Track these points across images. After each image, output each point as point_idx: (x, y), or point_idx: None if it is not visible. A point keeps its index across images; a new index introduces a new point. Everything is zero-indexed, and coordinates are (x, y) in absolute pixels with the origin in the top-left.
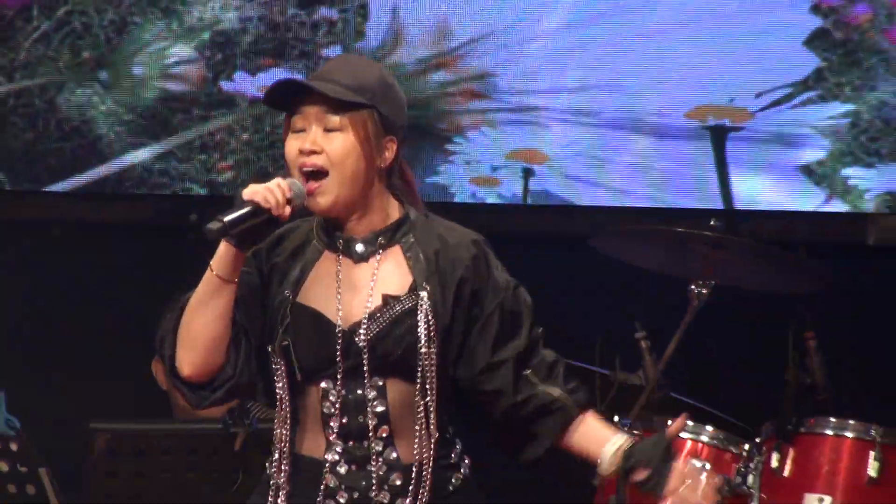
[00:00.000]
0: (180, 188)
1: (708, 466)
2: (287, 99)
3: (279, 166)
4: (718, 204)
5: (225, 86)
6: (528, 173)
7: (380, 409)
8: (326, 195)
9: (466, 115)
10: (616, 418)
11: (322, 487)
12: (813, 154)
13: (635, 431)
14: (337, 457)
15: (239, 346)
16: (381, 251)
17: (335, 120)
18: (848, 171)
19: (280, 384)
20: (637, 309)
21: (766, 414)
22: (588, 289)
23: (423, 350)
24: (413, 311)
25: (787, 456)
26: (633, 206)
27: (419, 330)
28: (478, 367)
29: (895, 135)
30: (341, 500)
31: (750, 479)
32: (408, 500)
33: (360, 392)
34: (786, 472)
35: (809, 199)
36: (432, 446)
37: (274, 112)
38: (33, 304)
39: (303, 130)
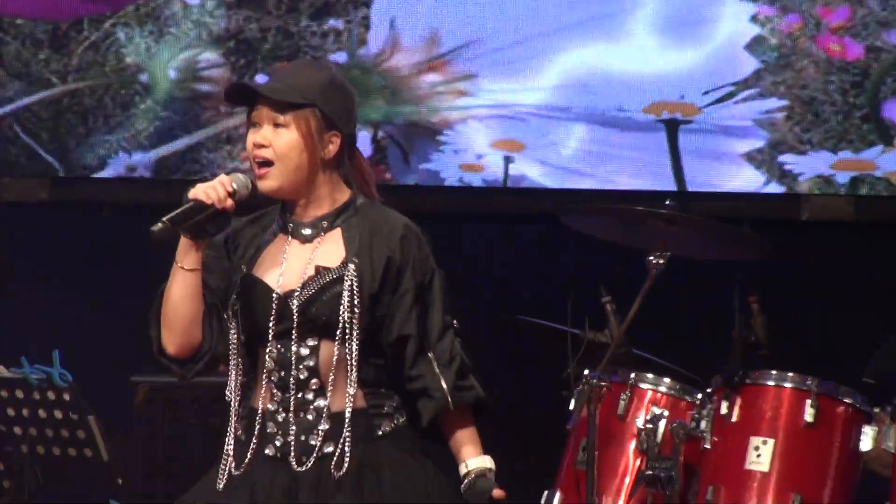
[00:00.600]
0: (209, 174)
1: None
2: (246, 98)
3: None
4: (672, 186)
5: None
6: (507, 160)
7: (310, 363)
8: (271, 180)
9: (454, 111)
10: (586, 371)
11: (258, 432)
12: (753, 143)
13: (603, 384)
14: (274, 406)
15: (212, 322)
16: (323, 233)
17: (281, 118)
18: (784, 158)
19: (233, 345)
20: (602, 277)
21: (716, 367)
22: (560, 260)
23: (347, 315)
24: (341, 280)
25: (735, 404)
26: (598, 188)
27: (343, 296)
28: (391, 336)
29: (824, 126)
30: (277, 444)
31: (703, 424)
32: (333, 444)
33: (294, 349)
34: (734, 418)
35: (751, 182)
36: (359, 397)
37: None
38: (84, 274)
39: (257, 125)
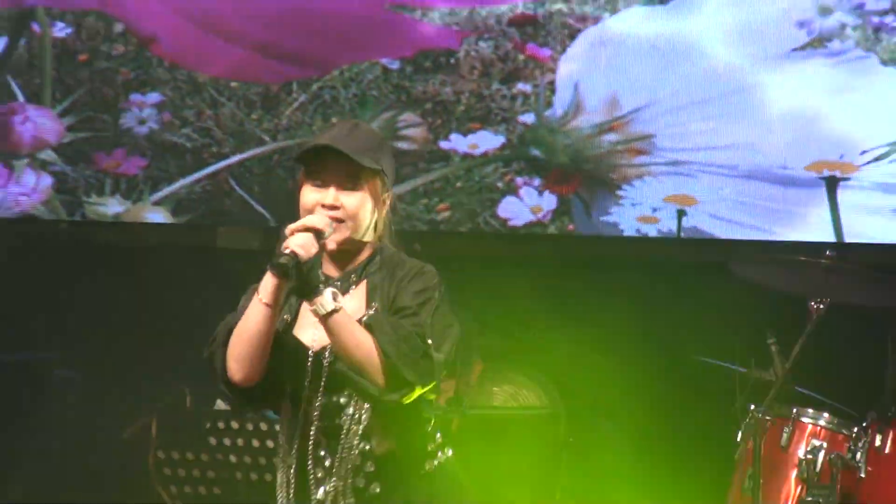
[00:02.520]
0: (407, 225)
1: None
2: (311, 155)
3: (485, 207)
4: (832, 237)
5: (442, 144)
6: (681, 213)
7: (349, 411)
8: (339, 235)
9: (631, 167)
10: (752, 406)
11: (312, 478)
12: None
13: (767, 417)
14: (323, 452)
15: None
16: (353, 286)
17: (352, 180)
18: None
19: (281, 395)
20: (768, 321)
21: (871, 403)
22: (728, 305)
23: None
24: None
25: (888, 437)
26: (763, 240)
27: None
28: None
29: None
30: (327, 488)
31: (858, 455)
32: (379, 484)
33: (334, 399)
34: (887, 450)
35: None
36: (401, 438)
37: (483, 165)
38: None
39: (321, 184)
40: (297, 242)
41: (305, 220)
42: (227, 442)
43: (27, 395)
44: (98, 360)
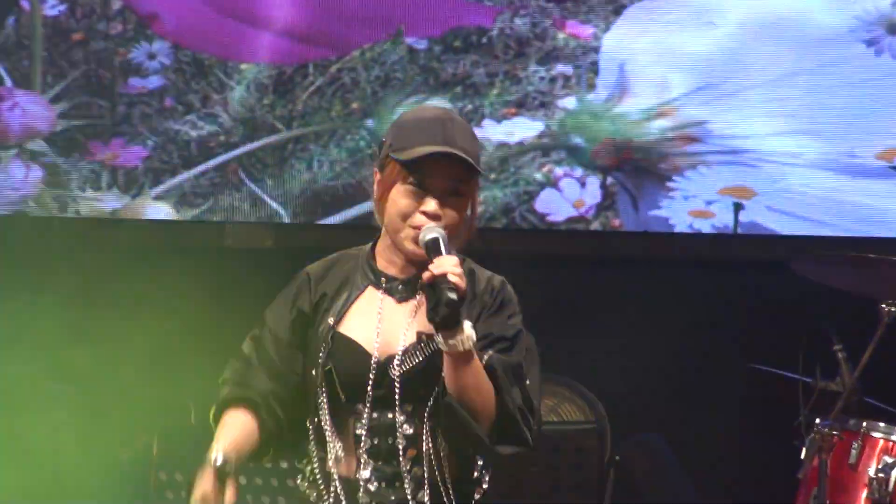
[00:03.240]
0: None
1: None
2: (418, 159)
3: (522, 201)
4: None
5: (476, 130)
6: (737, 207)
7: (409, 431)
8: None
9: (684, 157)
10: (818, 420)
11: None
12: None
13: (834, 432)
14: (369, 474)
15: (268, 426)
16: (419, 292)
17: (458, 186)
18: None
19: (321, 407)
20: (834, 325)
21: None
22: (791, 308)
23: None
24: (441, 351)
25: None
26: (829, 235)
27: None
28: None
29: None
30: None
31: None
32: None
33: (390, 416)
34: None
35: None
36: (454, 465)
37: (519, 154)
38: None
39: (421, 187)
40: (455, 272)
41: (447, 262)
42: None
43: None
44: (91, 374)
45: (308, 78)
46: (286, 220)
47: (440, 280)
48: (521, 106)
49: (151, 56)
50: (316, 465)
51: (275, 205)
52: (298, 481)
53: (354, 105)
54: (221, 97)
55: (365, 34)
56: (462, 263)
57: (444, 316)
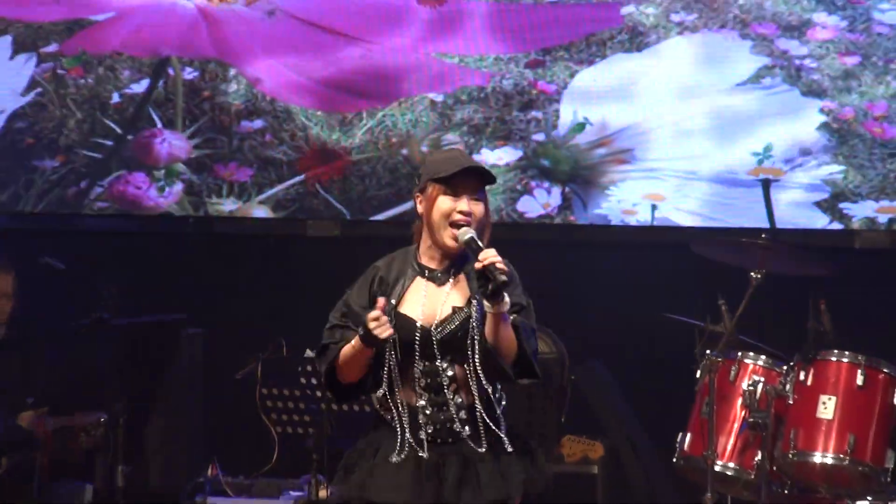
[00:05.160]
0: None
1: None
2: (452, 175)
3: (507, 204)
4: (766, 224)
5: (475, 157)
6: (654, 208)
7: (450, 373)
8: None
9: (616, 173)
10: (708, 352)
11: (418, 422)
12: (821, 195)
13: (719, 359)
14: (424, 402)
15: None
16: (452, 278)
17: (479, 192)
18: (842, 205)
19: (389, 362)
20: (719, 287)
21: (797, 348)
22: (690, 276)
23: (476, 341)
24: (469, 316)
25: (810, 373)
26: (716, 227)
27: (472, 328)
28: None
29: (869, 183)
30: (429, 430)
31: (788, 387)
32: (468, 427)
33: (437, 363)
34: (809, 382)
35: (820, 222)
36: (485, 395)
37: (506, 172)
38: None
39: (454, 195)
40: (498, 260)
41: (491, 253)
42: (313, 381)
43: (165, 348)
44: (217, 320)
45: (363, 121)
46: (348, 216)
47: (490, 267)
48: (507, 139)
49: (256, 106)
50: (388, 398)
51: (340, 207)
52: (378, 406)
53: (394, 139)
54: (303, 134)
55: (401, 90)
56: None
57: (494, 291)
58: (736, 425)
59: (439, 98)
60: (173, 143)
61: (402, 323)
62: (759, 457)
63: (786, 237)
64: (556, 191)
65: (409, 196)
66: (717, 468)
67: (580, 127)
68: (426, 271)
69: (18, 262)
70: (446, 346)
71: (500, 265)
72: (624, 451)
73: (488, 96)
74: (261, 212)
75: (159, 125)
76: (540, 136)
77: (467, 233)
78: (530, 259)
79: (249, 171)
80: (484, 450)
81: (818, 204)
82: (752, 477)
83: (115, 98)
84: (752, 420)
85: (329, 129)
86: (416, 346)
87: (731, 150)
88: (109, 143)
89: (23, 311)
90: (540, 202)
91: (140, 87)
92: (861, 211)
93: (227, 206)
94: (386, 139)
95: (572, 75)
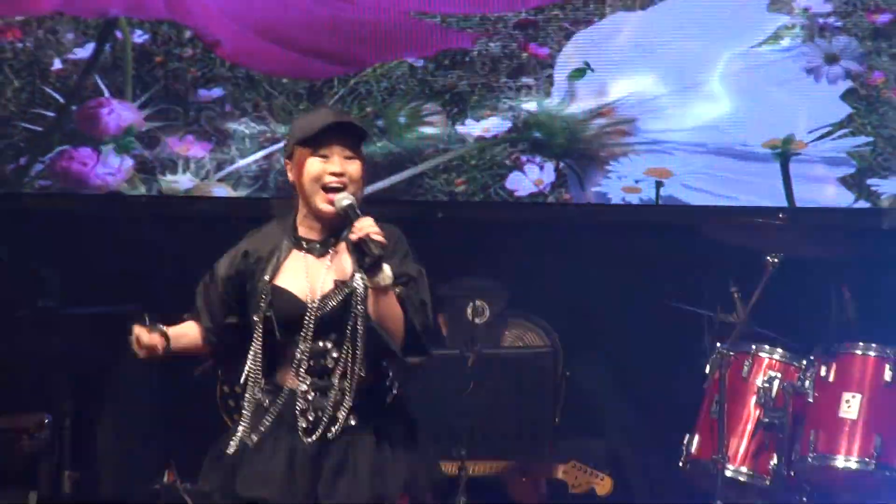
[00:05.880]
0: (430, 196)
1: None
2: (317, 133)
3: (496, 181)
4: (784, 202)
5: (459, 129)
6: (659, 184)
7: (335, 354)
8: (346, 199)
9: (617, 146)
10: (718, 344)
11: (297, 409)
12: (846, 170)
13: (731, 353)
14: (305, 388)
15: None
16: (332, 249)
17: (352, 150)
18: (870, 181)
19: (259, 342)
20: (731, 273)
21: (817, 340)
22: (698, 260)
23: (361, 317)
24: (353, 292)
25: (832, 368)
26: (728, 205)
27: (356, 304)
28: None
29: None
30: (310, 417)
31: (807, 383)
32: (354, 416)
33: (321, 344)
34: (830, 379)
35: (845, 199)
36: (370, 378)
37: (493, 145)
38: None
39: (325, 156)
40: (375, 230)
41: (367, 224)
42: None
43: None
44: (174, 310)
45: (333, 89)
46: None
47: (366, 239)
48: (495, 109)
49: (214, 73)
50: (266, 382)
51: None
52: (256, 392)
53: (368, 109)
54: (267, 104)
55: (375, 55)
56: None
57: (372, 265)
58: (749, 426)
59: (419, 63)
60: (122, 115)
61: (280, 299)
62: (774, 461)
63: (806, 217)
64: (550, 166)
65: (384, 172)
66: (728, 473)
67: (580, 73)
68: (304, 242)
69: None
70: (328, 324)
71: (375, 236)
72: (624, 455)
73: (473, 60)
74: (220, 190)
75: (107, 94)
76: (531, 106)
77: (345, 199)
78: (520, 242)
79: (208, 146)
80: (368, 442)
81: (842, 180)
82: (768, 483)
83: (57, 64)
84: (767, 420)
85: (296, 97)
86: (296, 325)
87: (746, 121)
88: (51, 114)
89: None
90: (531, 179)
91: (85, 51)
92: (891, 187)
93: (184, 183)
94: (359, 109)
95: (568, 37)
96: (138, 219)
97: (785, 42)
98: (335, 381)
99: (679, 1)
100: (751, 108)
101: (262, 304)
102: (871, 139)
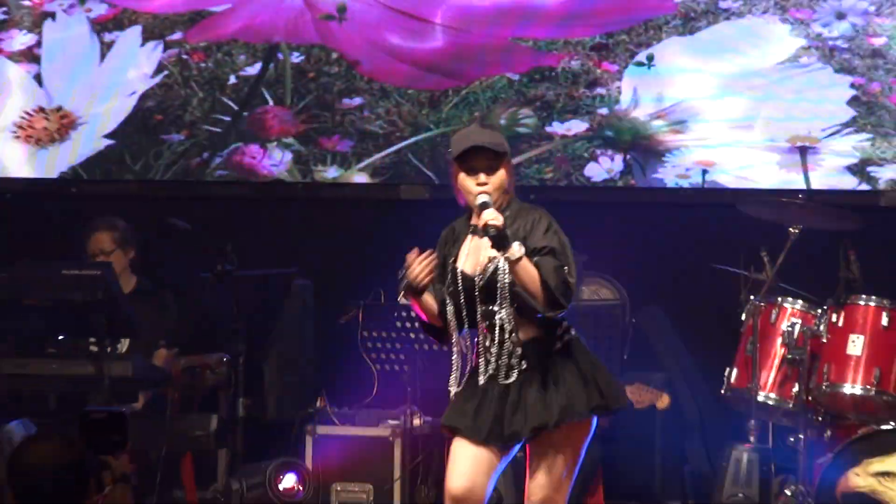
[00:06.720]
0: (525, 182)
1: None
2: (465, 153)
3: (576, 169)
4: (803, 186)
5: (548, 129)
6: (704, 172)
7: (502, 314)
8: (493, 203)
9: (672, 142)
10: (752, 297)
11: (484, 359)
12: (851, 160)
13: (762, 304)
14: (488, 342)
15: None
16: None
17: (493, 164)
18: (870, 169)
19: (452, 310)
20: (762, 240)
21: (830, 293)
22: (736, 231)
23: (506, 284)
24: (497, 265)
25: (841, 315)
26: (759, 188)
27: (499, 274)
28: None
29: (894, 150)
30: (492, 367)
31: (822, 327)
32: (525, 362)
33: (490, 308)
34: (840, 324)
35: (851, 183)
36: (534, 330)
37: (574, 142)
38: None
39: (470, 172)
40: (492, 217)
41: (486, 214)
42: (408, 325)
43: (279, 297)
44: (323, 273)
45: (448, 97)
46: (436, 182)
47: (485, 226)
48: (575, 113)
49: (355, 86)
50: (461, 342)
51: (430, 173)
52: (454, 350)
53: (476, 114)
54: (396, 110)
55: (481, 71)
56: (509, 207)
57: (499, 243)
58: (776, 361)
59: (515, 77)
60: (283, 119)
61: (459, 274)
62: (796, 388)
63: (820, 197)
64: (619, 158)
65: None
66: (759, 398)
67: (641, 65)
68: (472, 228)
69: (149, 223)
70: (487, 291)
71: (492, 221)
72: (678, 383)
73: (558, 75)
74: (360, 178)
75: (270, 103)
76: (604, 110)
77: (480, 198)
78: (596, 218)
79: (350, 143)
80: (536, 381)
81: (848, 168)
82: (791, 406)
83: (232, 79)
84: (790, 357)
85: (419, 104)
86: (470, 294)
87: (772, 122)
88: (227, 118)
89: (154, 265)
90: (604, 168)
91: (254, 69)
92: (886, 174)
93: (331, 173)
94: (470, 113)
95: (632, 56)
96: (296, 200)
97: (803, 60)
98: (506, 336)
99: (719, 29)
100: (776, 112)
101: (449, 280)
102: (870, 136)
